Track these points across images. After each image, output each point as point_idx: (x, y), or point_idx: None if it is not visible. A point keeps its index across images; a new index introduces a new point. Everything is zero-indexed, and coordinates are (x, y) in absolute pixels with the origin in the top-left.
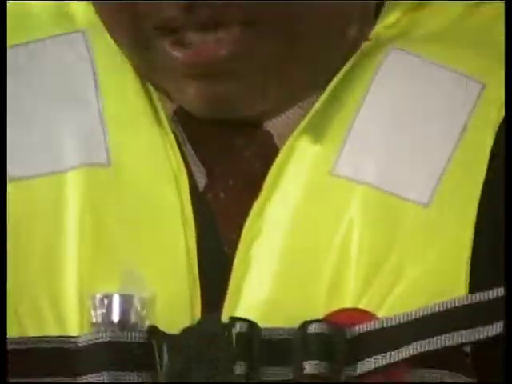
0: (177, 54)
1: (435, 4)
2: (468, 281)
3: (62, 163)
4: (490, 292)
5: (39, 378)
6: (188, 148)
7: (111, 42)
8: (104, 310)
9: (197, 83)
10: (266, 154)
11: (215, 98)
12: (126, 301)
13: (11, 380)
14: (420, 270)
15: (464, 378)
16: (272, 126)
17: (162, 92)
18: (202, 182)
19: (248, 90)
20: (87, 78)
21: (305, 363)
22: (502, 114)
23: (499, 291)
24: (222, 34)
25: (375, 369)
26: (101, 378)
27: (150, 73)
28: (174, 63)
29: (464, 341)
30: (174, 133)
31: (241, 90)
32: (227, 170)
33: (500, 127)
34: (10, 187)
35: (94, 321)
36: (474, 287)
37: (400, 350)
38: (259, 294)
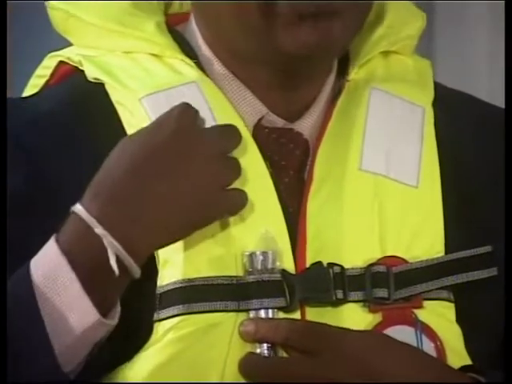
0: None
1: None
2: (443, 240)
3: None
4: (472, 250)
5: (217, 302)
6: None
7: (213, 88)
8: (251, 261)
9: (314, 23)
10: (306, 152)
11: (323, 34)
12: (264, 255)
13: None
14: (421, 234)
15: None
16: (306, 134)
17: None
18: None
19: (345, 30)
20: (206, 110)
21: (374, 290)
22: (432, 125)
23: (475, 251)
24: None
25: (411, 295)
26: (254, 304)
27: (267, 26)
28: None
29: (459, 281)
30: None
31: (341, 28)
32: (288, 164)
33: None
34: None
35: (246, 268)
36: (447, 246)
37: (424, 284)
38: (330, 245)
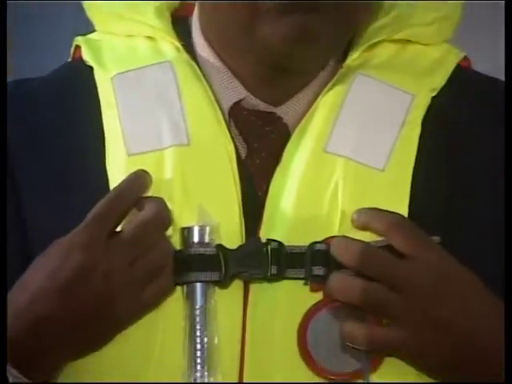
0: None
1: (381, 45)
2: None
3: (160, 144)
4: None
5: None
6: (235, 133)
7: (189, 68)
8: (188, 235)
9: (292, 18)
10: (283, 136)
11: (304, 29)
12: (202, 229)
13: None
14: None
15: None
16: (287, 118)
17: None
18: (243, 153)
19: (327, 28)
20: (174, 89)
21: (312, 268)
22: (424, 112)
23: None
24: None
25: None
26: (188, 277)
27: (252, 20)
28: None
29: None
30: (226, 123)
31: (321, 25)
32: (260, 147)
33: (423, 121)
34: (127, 161)
35: (183, 241)
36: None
37: None
38: (283, 223)
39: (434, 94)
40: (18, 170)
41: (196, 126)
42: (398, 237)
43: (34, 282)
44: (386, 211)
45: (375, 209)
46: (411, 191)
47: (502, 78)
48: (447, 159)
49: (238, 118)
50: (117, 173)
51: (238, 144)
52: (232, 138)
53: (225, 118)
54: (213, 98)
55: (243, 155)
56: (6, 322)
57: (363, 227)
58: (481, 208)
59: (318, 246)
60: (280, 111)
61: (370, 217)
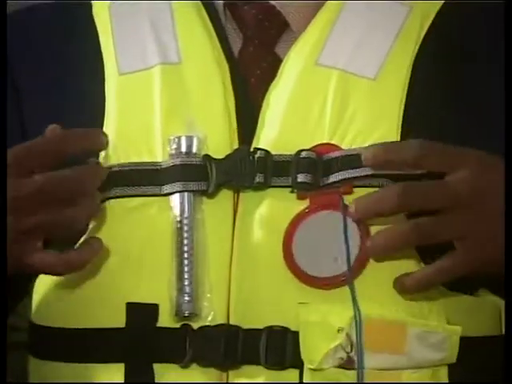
0: None
1: None
2: (399, 132)
3: (148, 63)
4: (404, 142)
5: (137, 188)
6: (232, 26)
7: None
8: (176, 146)
9: None
10: (277, 25)
11: None
12: (190, 139)
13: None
14: (366, 122)
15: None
16: (280, 6)
17: None
18: (239, 45)
19: None
20: (167, 16)
21: (298, 175)
22: (421, 24)
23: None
24: None
25: (339, 180)
26: (175, 187)
27: None
28: None
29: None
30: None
31: None
32: (254, 34)
33: (419, 34)
34: (118, 80)
35: (171, 153)
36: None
37: (353, 170)
38: (272, 134)
39: (431, 7)
40: (20, 83)
41: (188, 45)
42: (433, 158)
43: None
44: (397, 142)
45: (385, 143)
46: (406, 100)
47: None
48: (442, 70)
49: (233, 11)
50: (111, 92)
51: (235, 37)
52: (226, 37)
53: (218, 34)
54: (208, 20)
55: (239, 47)
56: (6, 320)
57: (381, 165)
58: (476, 119)
59: (305, 154)
60: (273, 1)
61: (389, 151)
